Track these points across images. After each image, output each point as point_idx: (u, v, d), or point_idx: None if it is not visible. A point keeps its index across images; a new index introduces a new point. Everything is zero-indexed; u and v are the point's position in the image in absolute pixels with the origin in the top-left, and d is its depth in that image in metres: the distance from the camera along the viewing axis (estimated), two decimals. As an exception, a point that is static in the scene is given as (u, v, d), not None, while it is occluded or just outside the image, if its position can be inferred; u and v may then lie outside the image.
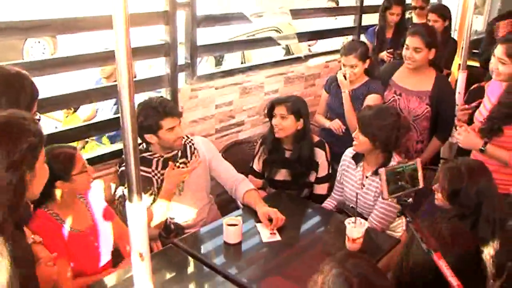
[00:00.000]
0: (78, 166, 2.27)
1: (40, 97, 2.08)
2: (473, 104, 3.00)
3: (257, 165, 3.33)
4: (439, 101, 3.35)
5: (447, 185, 2.28)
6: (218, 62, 5.48)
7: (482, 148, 2.64)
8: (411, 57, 3.29)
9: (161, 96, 3.02)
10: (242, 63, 5.17)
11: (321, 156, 3.21)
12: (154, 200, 2.76)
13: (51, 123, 4.34)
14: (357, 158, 2.97)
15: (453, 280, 1.45)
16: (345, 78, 3.41)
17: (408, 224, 1.76)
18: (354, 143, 2.89)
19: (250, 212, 2.79)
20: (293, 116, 3.12)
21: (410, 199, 1.84)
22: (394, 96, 3.46)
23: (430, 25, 4.24)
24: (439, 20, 4.46)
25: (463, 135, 2.71)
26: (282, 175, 3.27)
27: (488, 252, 2.07)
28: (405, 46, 3.33)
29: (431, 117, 3.40)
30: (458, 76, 3.56)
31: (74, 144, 3.28)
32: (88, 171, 2.35)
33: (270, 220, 2.64)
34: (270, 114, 3.20)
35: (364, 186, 2.92)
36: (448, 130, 3.41)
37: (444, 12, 4.53)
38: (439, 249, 1.51)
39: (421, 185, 1.87)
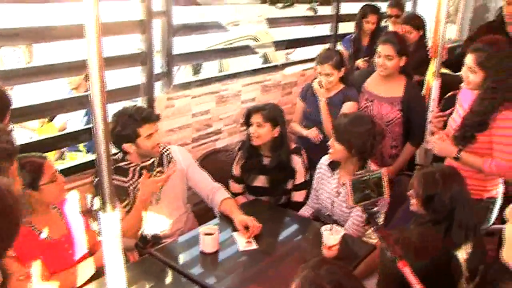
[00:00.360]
0: (46, 176, 2.24)
1: (13, 106, 2.06)
2: (448, 112, 3.05)
3: (236, 171, 3.34)
4: (410, 107, 3.41)
5: (421, 191, 2.31)
6: (196, 71, 5.48)
7: (457, 155, 2.68)
8: (382, 64, 3.35)
9: (135, 105, 3.01)
10: (220, 71, 5.18)
11: (297, 162, 3.23)
12: (129, 210, 2.73)
13: (25, 133, 4.28)
14: (333, 166, 2.99)
15: (418, 287, 1.46)
16: (321, 87, 3.43)
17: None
18: (330, 151, 2.90)
19: (227, 221, 2.79)
20: (269, 124, 3.13)
21: (376, 208, 1.85)
22: (366, 103, 3.51)
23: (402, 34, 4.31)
24: (413, 31, 4.53)
25: (438, 143, 2.75)
26: (260, 181, 3.27)
27: (462, 256, 2.11)
28: (376, 54, 3.39)
29: (404, 123, 3.45)
30: (432, 83, 3.63)
31: (51, 154, 3.25)
32: (59, 181, 2.32)
33: (247, 228, 2.64)
34: (247, 122, 3.21)
35: (340, 194, 2.92)
36: (420, 135, 3.47)
37: (416, 23, 4.59)
38: (404, 257, 1.52)
39: (386, 194, 1.89)
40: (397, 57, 3.34)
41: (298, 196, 3.28)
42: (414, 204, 2.38)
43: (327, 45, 4.88)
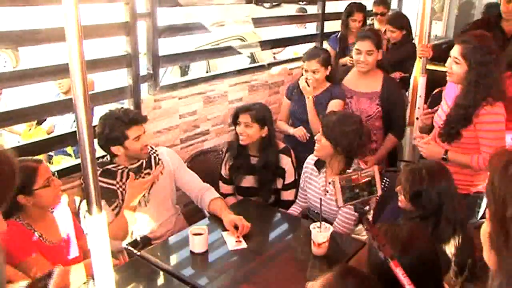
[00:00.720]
0: (40, 180, 2.21)
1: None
2: (436, 108, 3.08)
3: (224, 171, 3.34)
4: (389, 100, 3.49)
5: (408, 187, 2.33)
6: (184, 72, 5.47)
7: (444, 156, 2.71)
8: (364, 60, 3.42)
9: (122, 107, 3.00)
10: (207, 72, 5.18)
11: (286, 162, 3.23)
12: (118, 212, 2.73)
13: (14, 137, 4.25)
14: (319, 164, 3.00)
15: None
16: (308, 85, 3.45)
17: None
18: (316, 146, 2.91)
19: (217, 221, 2.79)
20: (257, 124, 3.14)
21: (367, 207, 1.83)
22: (346, 99, 3.55)
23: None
24: (396, 31, 4.63)
25: (425, 147, 2.78)
26: (248, 181, 3.28)
27: (450, 251, 2.12)
28: (355, 51, 3.45)
29: (383, 117, 3.52)
30: (419, 80, 3.66)
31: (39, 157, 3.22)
32: (55, 185, 2.29)
33: (237, 227, 2.65)
34: (234, 122, 3.22)
35: (327, 192, 2.93)
36: (401, 126, 3.62)
37: (399, 23, 4.68)
38: (396, 257, 1.51)
39: (378, 192, 1.87)
40: (376, 51, 3.42)
41: (287, 195, 3.29)
42: (402, 200, 2.39)
43: (313, 44, 4.89)
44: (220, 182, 3.35)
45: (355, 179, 1.82)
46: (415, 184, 2.30)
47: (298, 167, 3.26)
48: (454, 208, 2.25)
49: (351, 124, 2.84)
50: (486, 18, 4.18)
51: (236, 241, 2.59)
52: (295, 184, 3.27)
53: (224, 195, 3.26)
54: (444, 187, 2.27)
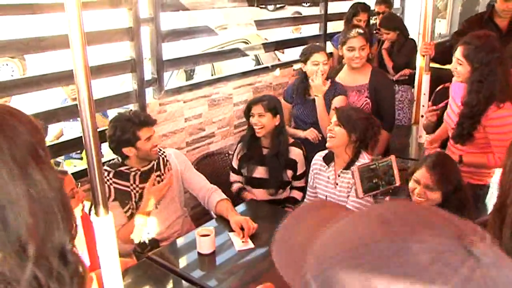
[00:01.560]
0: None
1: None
2: (441, 105, 3.09)
3: (235, 162, 3.43)
4: (377, 91, 3.54)
5: (433, 173, 2.27)
6: (189, 76, 5.48)
7: (459, 161, 2.74)
8: (359, 56, 3.47)
9: (131, 109, 3.03)
10: (212, 75, 5.20)
11: (298, 154, 3.30)
12: (131, 215, 2.77)
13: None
14: (328, 158, 3.03)
15: None
16: (325, 78, 3.44)
17: None
18: (329, 136, 2.92)
19: (224, 223, 2.80)
20: (270, 113, 3.23)
21: (388, 198, 1.81)
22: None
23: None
24: (390, 32, 4.68)
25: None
26: (259, 172, 3.34)
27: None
28: (348, 48, 3.48)
29: (373, 110, 3.54)
30: (423, 77, 3.67)
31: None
32: (79, 197, 2.30)
33: (243, 228, 2.66)
34: (247, 115, 3.29)
35: (337, 184, 2.96)
36: (391, 119, 3.66)
37: (391, 24, 4.76)
38: None
39: (397, 182, 1.86)
40: (367, 46, 3.52)
41: (298, 183, 3.37)
42: (432, 198, 2.27)
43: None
44: (231, 172, 3.47)
45: (373, 169, 1.82)
46: (438, 168, 2.27)
47: (307, 165, 3.29)
48: (463, 195, 2.26)
49: (364, 113, 3.00)
50: (480, 15, 4.19)
51: (243, 242, 2.61)
52: (305, 175, 3.35)
53: (233, 183, 3.41)
54: (455, 173, 2.29)
